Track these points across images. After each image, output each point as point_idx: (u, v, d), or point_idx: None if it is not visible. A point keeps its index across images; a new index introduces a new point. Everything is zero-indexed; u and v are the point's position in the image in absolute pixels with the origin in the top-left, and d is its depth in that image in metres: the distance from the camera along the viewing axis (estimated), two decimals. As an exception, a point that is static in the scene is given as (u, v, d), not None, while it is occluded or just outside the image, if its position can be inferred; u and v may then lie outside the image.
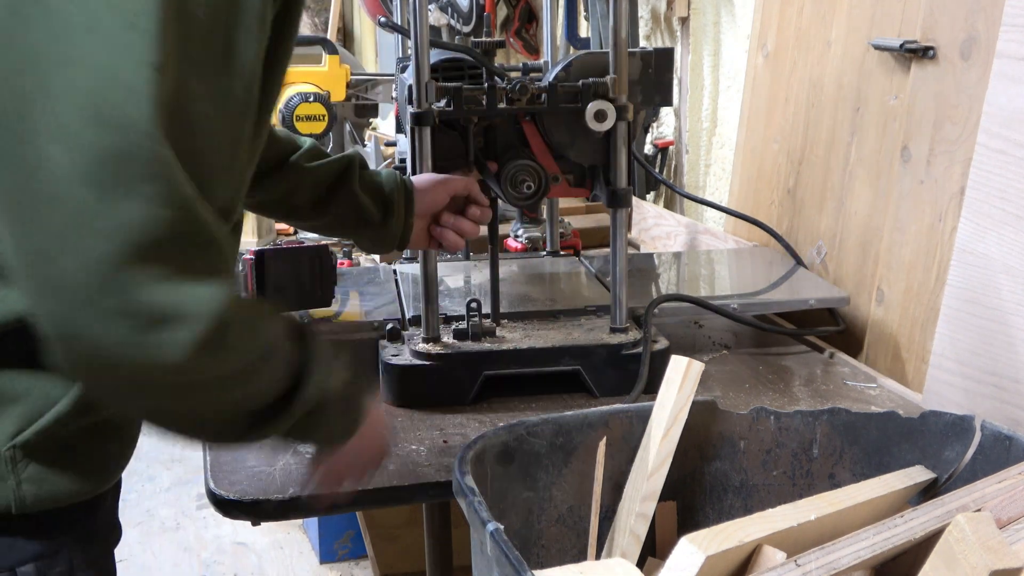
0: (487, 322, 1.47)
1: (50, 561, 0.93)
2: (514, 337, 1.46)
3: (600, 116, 1.41)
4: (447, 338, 1.44)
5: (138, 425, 1.01)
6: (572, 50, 2.81)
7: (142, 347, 0.73)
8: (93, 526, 0.99)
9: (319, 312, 1.57)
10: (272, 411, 0.87)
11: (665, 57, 1.52)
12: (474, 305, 1.45)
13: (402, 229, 1.39)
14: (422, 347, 1.42)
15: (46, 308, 0.73)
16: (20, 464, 0.89)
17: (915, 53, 1.59)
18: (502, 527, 0.87)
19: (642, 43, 2.63)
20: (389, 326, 1.48)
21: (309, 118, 2.56)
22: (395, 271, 1.82)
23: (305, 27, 5.50)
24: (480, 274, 1.82)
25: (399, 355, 1.42)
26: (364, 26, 5.95)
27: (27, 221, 0.72)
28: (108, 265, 0.71)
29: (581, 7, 2.89)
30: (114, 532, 1.04)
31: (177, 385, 0.77)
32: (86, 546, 0.97)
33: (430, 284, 1.42)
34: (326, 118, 2.57)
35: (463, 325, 1.45)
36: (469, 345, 1.43)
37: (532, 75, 1.51)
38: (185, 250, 0.74)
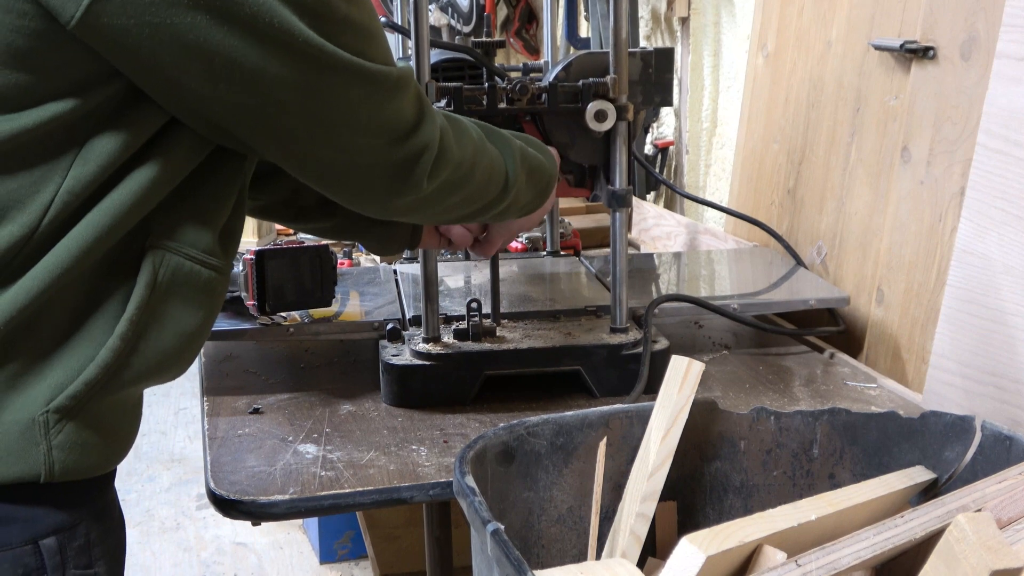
0: (487, 322, 1.47)
1: (70, 534, 0.97)
2: (514, 337, 1.46)
3: (600, 116, 1.41)
4: (447, 338, 1.44)
5: (140, 406, 1.04)
6: (572, 50, 2.81)
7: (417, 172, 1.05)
8: (105, 503, 1.03)
9: (319, 312, 1.57)
10: (494, 201, 1.20)
11: (665, 57, 1.52)
12: (474, 305, 1.45)
13: (411, 227, 1.39)
14: (422, 347, 1.42)
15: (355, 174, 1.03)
16: (53, 430, 0.93)
17: (915, 53, 1.59)
18: (503, 527, 0.87)
19: (642, 43, 2.63)
20: (389, 326, 1.48)
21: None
22: (395, 271, 1.83)
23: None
24: (480, 274, 1.82)
25: (399, 355, 1.42)
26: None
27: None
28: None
29: (581, 7, 2.89)
30: (121, 515, 1.08)
31: (429, 196, 1.08)
32: (101, 522, 1.01)
33: (430, 284, 1.42)
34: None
35: (463, 325, 1.45)
36: (469, 345, 1.43)
37: (532, 75, 1.51)
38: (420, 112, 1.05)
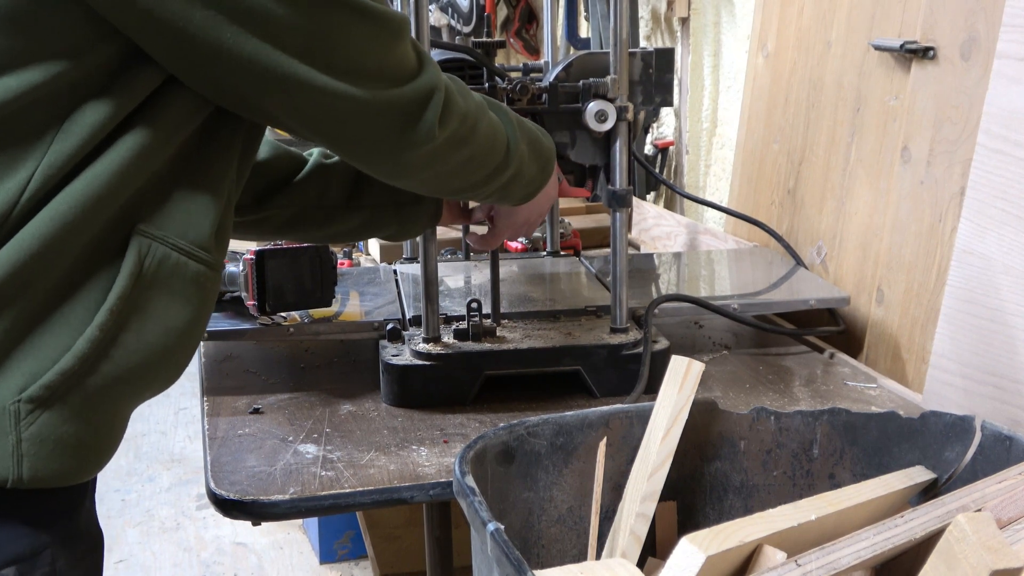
0: (487, 322, 1.47)
1: (31, 564, 0.91)
2: (514, 337, 1.46)
3: (600, 116, 1.41)
4: (447, 338, 1.44)
5: (127, 416, 1.00)
6: (572, 50, 2.81)
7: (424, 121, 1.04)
8: (77, 525, 0.97)
9: (319, 312, 1.57)
10: (500, 168, 1.19)
11: (665, 57, 1.52)
12: (474, 305, 1.45)
13: (434, 203, 1.39)
14: (422, 347, 1.42)
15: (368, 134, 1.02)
16: (24, 421, 0.88)
17: (915, 53, 1.59)
18: (503, 527, 0.87)
19: (642, 43, 2.63)
20: (389, 326, 1.48)
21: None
22: (395, 271, 1.83)
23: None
24: (480, 274, 1.82)
25: (399, 355, 1.42)
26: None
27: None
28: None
29: (581, 7, 2.89)
30: (97, 537, 1.02)
31: (437, 149, 1.06)
32: (70, 547, 0.95)
33: (430, 284, 1.42)
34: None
35: (463, 325, 1.45)
36: (469, 345, 1.43)
37: (532, 75, 1.51)
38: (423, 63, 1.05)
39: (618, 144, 1.44)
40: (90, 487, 1.01)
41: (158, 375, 0.98)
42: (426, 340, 1.43)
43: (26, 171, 0.88)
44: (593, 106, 1.41)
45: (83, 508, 0.99)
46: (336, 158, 1.36)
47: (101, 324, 0.92)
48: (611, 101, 1.42)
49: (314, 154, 1.37)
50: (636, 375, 1.41)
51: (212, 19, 0.89)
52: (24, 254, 0.88)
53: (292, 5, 0.91)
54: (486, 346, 1.43)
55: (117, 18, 0.88)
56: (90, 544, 1.00)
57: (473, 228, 1.54)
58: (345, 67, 0.96)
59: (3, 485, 0.88)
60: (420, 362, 1.41)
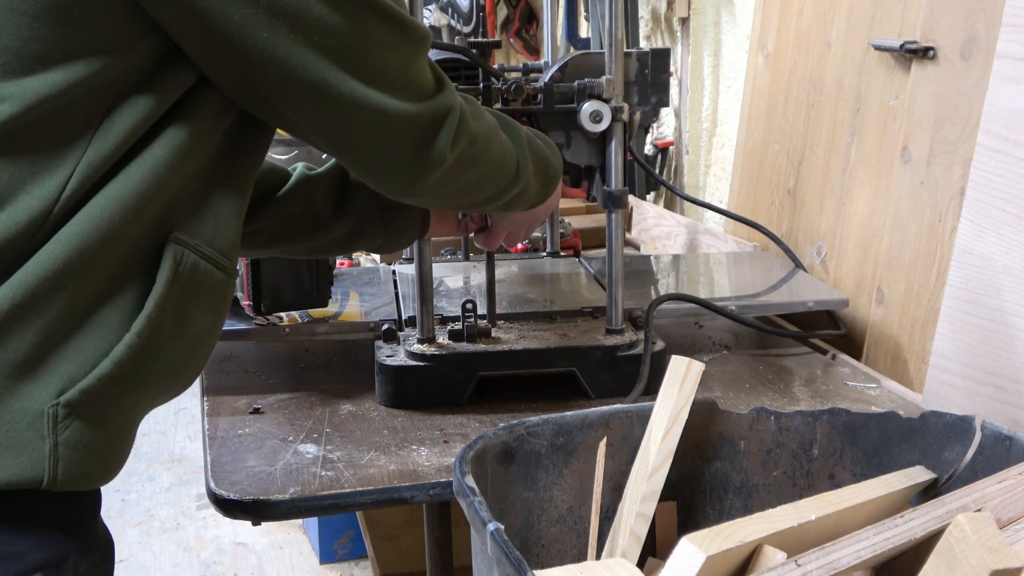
0: (483, 323, 1.47)
1: (56, 570, 0.91)
2: (509, 338, 1.46)
3: (595, 117, 1.41)
4: (442, 339, 1.44)
5: (140, 421, 1.00)
6: (572, 50, 2.81)
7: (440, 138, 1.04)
8: (95, 533, 0.98)
9: (318, 312, 1.57)
10: (508, 186, 1.20)
11: (661, 57, 1.52)
12: (469, 306, 1.45)
13: (421, 214, 1.39)
14: (417, 348, 1.42)
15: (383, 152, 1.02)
16: (61, 424, 0.88)
17: (915, 53, 1.59)
18: (503, 527, 0.86)
19: (642, 43, 2.63)
20: (385, 327, 1.48)
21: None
22: (394, 271, 1.82)
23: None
24: (479, 275, 1.82)
25: (394, 356, 1.42)
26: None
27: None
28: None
29: (581, 7, 2.89)
30: (110, 544, 1.03)
31: (450, 168, 1.07)
32: (89, 555, 0.96)
33: (425, 285, 1.42)
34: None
35: (459, 326, 1.44)
36: (463, 346, 1.43)
37: (530, 75, 1.51)
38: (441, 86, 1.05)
39: (613, 144, 1.43)
40: (100, 494, 1.01)
41: (175, 382, 0.99)
42: (421, 341, 1.43)
43: (66, 169, 0.88)
44: (588, 106, 1.41)
45: (98, 516, 1.00)
46: (320, 170, 1.36)
47: (140, 332, 0.92)
48: (606, 101, 1.41)
49: (298, 167, 1.37)
50: (631, 376, 1.41)
51: (251, 18, 0.89)
52: (64, 254, 0.88)
53: (331, 6, 0.92)
54: (480, 347, 1.43)
55: (156, 10, 0.89)
56: (105, 550, 1.00)
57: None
58: (370, 74, 0.96)
59: (37, 486, 0.88)
60: (414, 363, 1.41)
